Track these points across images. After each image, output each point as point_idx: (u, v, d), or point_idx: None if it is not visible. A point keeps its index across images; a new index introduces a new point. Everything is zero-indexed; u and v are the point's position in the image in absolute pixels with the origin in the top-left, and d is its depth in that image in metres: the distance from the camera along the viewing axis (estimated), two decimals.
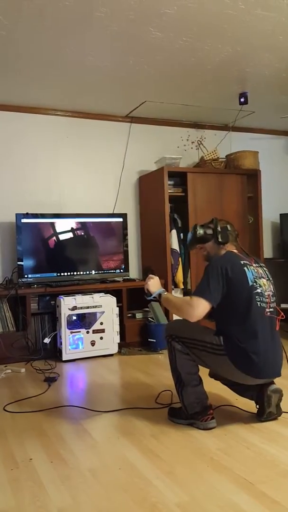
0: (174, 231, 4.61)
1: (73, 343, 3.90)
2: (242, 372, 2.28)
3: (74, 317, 3.97)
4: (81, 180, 4.69)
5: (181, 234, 4.66)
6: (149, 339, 4.23)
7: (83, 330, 3.94)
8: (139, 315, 4.43)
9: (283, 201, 5.64)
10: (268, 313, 2.33)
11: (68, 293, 4.06)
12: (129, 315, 4.42)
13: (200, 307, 2.24)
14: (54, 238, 4.26)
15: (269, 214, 5.42)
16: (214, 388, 2.86)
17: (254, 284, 2.31)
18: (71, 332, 3.89)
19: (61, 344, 3.91)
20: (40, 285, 4.09)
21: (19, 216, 4.10)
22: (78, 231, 4.36)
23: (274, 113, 4.94)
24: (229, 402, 2.70)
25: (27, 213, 4.15)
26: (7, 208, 4.32)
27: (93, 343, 3.96)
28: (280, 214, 5.32)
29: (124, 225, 4.56)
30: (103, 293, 4.11)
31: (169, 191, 4.54)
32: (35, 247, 4.17)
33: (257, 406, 2.47)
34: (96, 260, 4.43)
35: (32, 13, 2.79)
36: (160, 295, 2.46)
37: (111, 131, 4.83)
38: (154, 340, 4.17)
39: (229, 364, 2.29)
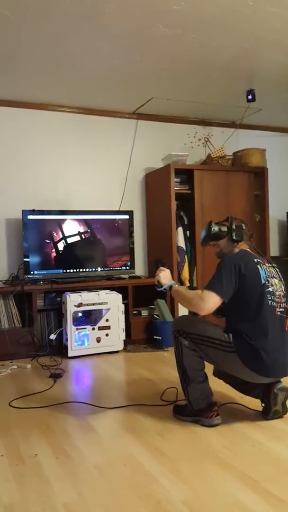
0: (180, 229, 4.60)
1: (78, 339, 3.90)
2: (250, 370, 2.28)
3: (80, 314, 3.97)
4: (87, 177, 4.69)
5: (187, 232, 4.66)
6: (154, 337, 4.23)
7: (89, 327, 3.94)
8: (144, 312, 4.43)
9: None
10: (279, 313, 2.34)
11: (74, 290, 4.07)
12: (135, 312, 4.42)
13: (211, 301, 2.24)
14: (60, 234, 4.26)
15: (276, 212, 5.39)
16: (219, 385, 2.85)
17: (267, 283, 2.32)
18: (77, 329, 3.90)
19: (66, 340, 3.92)
20: (46, 282, 4.10)
21: (25, 212, 4.11)
22: (84, 228, 4.36)
23: (281, 111, 4.92)
24: (234, 400, 2.70)
25: (33, 210, 4.16)
26: (13, 205, 4.33)
27: (98, 340, 3.96)
28: (287, 212, 5.29)
29: (130, 222, 4.56)
30: (109, 290, 4.11)
31: (176, 188, 4.53)
32: (41, 243, 4.18)
33: (263, 404, 2.46)
34: (102, 257, 4.43)
35: (39, 9, 2.79)
36: (171, 287, 2.46)
37: (118, 128, 4.82)
38: (160, 338, 4.17)
39: (237, 362, 2.28)
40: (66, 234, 4.28)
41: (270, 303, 2.30)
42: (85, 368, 3.62)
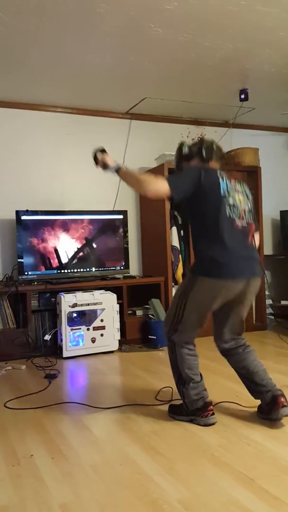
0: (174, 228, 4.60)
1: (73, 340, 3.90)
2: (215, 278, 2.28)
3: (75, 314, 3.97)
4: (81, 177, 4.68)
5: (182, 231, 4.66)
6: (149, 336, 4.24)
7: (84, 327, 3.94)
8: (139, 312, 4.44)
9: (283, 198, 5.64)
10: (239, 226, 2.36)
11: (69, 290, 4.06)
12: (130, 312, 4.43)
13: (160, 186, 2.26)
14: (54, 235, 4.25)
15: (270, 211, 5.42)
16: (215, 384, 2.87)
17: (227, 195, 2.34)
18: (72, 329, 3.89)
19: (61, 341, 3.91)
20: (40, 282, 4.09)
21: (19, 213, 4.10)
22: (78, 228, 4.35)
23: (274, 110, 4.94)
24: (230, 399, 2.71)
25: (27, 210, 4.15)
26: (7, 205, 4.32)
27: (93, 340, 3.96)
28: (281, 211, 5.31)
29: (125, 222, 4.56)
30: (103, 290, 4.11)
31: None
32: (35, 244, 4.17)
33: (263, 408, 2.43)
34: (96, 257, 4.43)
35: (32, 9, 2.78)
36: (119, 168, 2.41)
37: (111, 128, 4.82)
38: (155, 337, 4.18)
39: (204, 284, 2.29)
40: (60, 235, 4.28)
41: (228, 215, 2.32)
42: (80, 369, 3.61)
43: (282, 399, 2.32)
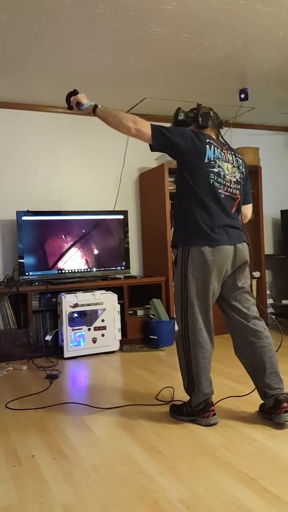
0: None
1: (74, 340, 3.90)
2: (200, 246, 2.28)
3: (76, 315, 3.97)
4: (81, 177, 4.68)
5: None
6: (150, 336, 4.23)
7: (85, 327, 3.94)
8: (140, 312, 4.44)
9: (283, 197, 5.64)
10: (223, 194, 2.35)
11: (69, 291, 4.06)
12: (131, 312, 4.43)
13: (143, 127, 2.27)
14: (55, 235, 4.26)
15: (270, 210, 5.42)
16: (215, 384, 2.86)
17: (212, 162, 2.33)
18: (73, 330, 3.89)
19: (62, 341, 3.92)
20: (41, 283, 4.10)
21: (19, 213, 4.10)
22: (78, 228, 4.36)
23: (274, 109, 4.93)
24: (231, 399, 2.70)
25: (27, 211, 4.15)
26: (8, 206, 4.32)
27: (94, 340, 3.96)
28: (281, 211, 5.31)
29: (125, 222, 4.56)
30: (104, 290, 4.11)
31: (170, 188, 4.53)
32: (36, 244, 4.17)
33: (264, 406, 2.42)
34: (97, 257, 4.43)
35: (32, 9, 2.78)
36: (95, 106, 2.38)
37: (112, 128, 4.81)
38: (156, 337, 4.18)
39: (193, 255, 2.29)
40: (60, 235, 4.28)
41: (211, 182, 2.32)
42: (81, 369, 3.61)
43: (286, 404, 2.27)
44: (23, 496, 1.77)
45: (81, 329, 3.93)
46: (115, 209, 4.73)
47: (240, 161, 2.51)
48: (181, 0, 2.75)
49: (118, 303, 4.10)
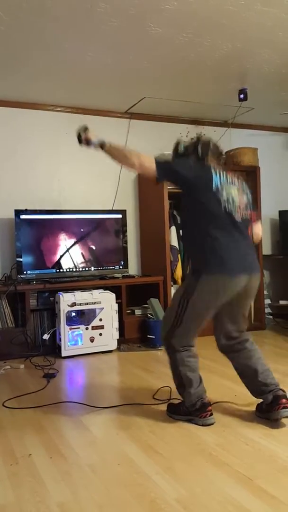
0: (173, 228, 4.60)
1: (72, 339, 3.90)
2: (216, 276, 2.26)
3: (73, 314, 3.97)
4: (80, 177, 4.68)
5: (181, 231, 4.66)
6: (148, 336, 4.23)
7: (82, 327, 3.94)
8: (138, 312, 4.44)
9: (282, 197, 5.64)
10: (237, 219, 2.34)
11: (67, 290, 4.06)
12: (128, 311, 4.43)
13: (146, 162, 2.28)
14: (53, 234, 4.25)
15: (268, 210, 5.42)
16: (213, 384, 2.87)
17: (220, 189, 2.32)
18: (70, 329, 3.89)
19: (60, 340, 3.91)
20: (39, 282, 4.09)
21: (18, 212, 4.10)
22: (77, 228, 4.35)
23: (273, 110, 4.94)
24: (228, 399, 2.71)
25: (26, 209, 4.15)
26: (6, 204, 4.32)
27: (92, 340, 3.96)
28: (279, 211, 5.31)
29: (124, 221, 4.56)
30: (102, 290, 4.11)
31: (168, 187, 4.53)
32: (34, 243, 4.17)
33: (262, 405, 2.43)
34: (95, 256, 4.43)
35: (32, 9, 2.78)
36: (103, 143, 2.41)
37: (111, 127, 4.82)
38: (153, 337, 4.17)
39: (205, 285, 2.27)
40: (59, 234, 4.28)
41: (224, 209, 2.30)
42: (78, 368, 3.61)
43: (284, 400, 2.30)
44: (19, 495, 1.77)
45: (78, 328, 3.93)
46: (114, 209, 4.73)
47: (244, 184, 2.50)
48: (181, 0, 2.75)
49: (116, 303, 4.10)
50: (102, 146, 2.41)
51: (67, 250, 4.31)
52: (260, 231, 2.60)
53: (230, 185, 2.37)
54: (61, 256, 4.28)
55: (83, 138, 2.45)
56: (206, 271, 2.28)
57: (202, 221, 2.32)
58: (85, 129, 2.47)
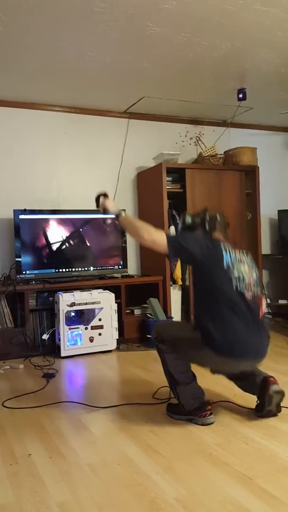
0: (172, 228, 4.60)
1: (71, 339, 3.90)
2: (225, 356, 2.27)
3: (73, 313, 3.97)
4: (79, 176, 4.68)
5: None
6: (147, 335, 4.23)
7: (82, 326, 3.94)
8: (137, 311, 4.44)
9: (281, 197, 5.64)
10: (248, 298, 2.32)
11: (67, 290, 4.06)
12: (128, 311, 4.42)
13: (158, 238, 2.30)
14: (52, 234, 4.25)
15: (267, 210, 5.42)
16: (212, 384, 2.87)
17: (231, 267, 2.31)
18: (70, 328, 3.89)
19: (59, 340, 3.91)
20: (38, 282, 4.09)
21: (17, 212, 4.09)
22: (76, 227, 4.35)
23: (272, 109, 4.94)
24: (227, 398, 2.71)
25: (25, 209, 4.14)
26: (5, 204, 4.31)
27: (91, 339, 3.96)
28: (278, 211, 5.32)
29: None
30: (101, 289, 4.11)
31: (168, 187, 4.53)
32: (33, 243, 4.17)
33: (258, 401, 2.48)
34: (94, 256, 4.42)
35: (30, 8, 2.78)
36: (119, 214, 2.49)
37: (110, 127, 4.82)
38: None
39: (212, 354, 2.28)
40: (58, 234, 4.27)
41: (235, 288, 2.29)
42: (78, 368, 3.61)
43: (272, 379, 2.40)
44: (19, 495, 1.77)
45: (78, 328, 3.92)
46: None
47: (251, 260, 2.49)
48: (180, 0, 2.75)
49: (115, 302, 4.09)
50: (117, 216, 2.49)
51: (66, 250, 4.31)
52: (264, 306, 2.54)
53: (239, 263, 2.36)
54: (60, 256, 4.28)
55: (101, 204, 2.59)
56: (212, 349, 2.27)
57: (213, 299, 2.29)
58: (105, 195, 2.62)
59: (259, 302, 2.37)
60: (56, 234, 4.26)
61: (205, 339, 2.29)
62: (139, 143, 4.94)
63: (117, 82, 4.02)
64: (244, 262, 2.38)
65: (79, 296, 3.94)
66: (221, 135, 5.18)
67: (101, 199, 2.60)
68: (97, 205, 2.65)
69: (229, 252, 2.35)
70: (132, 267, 4.88)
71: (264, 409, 2.40)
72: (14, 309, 4.01)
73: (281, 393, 2.40)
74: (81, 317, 3.99)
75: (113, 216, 2.56)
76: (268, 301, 5.36)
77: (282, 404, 2.47)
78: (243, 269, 2.34)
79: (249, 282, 2.34)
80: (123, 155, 4.85)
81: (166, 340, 2.42)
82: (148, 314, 4.37)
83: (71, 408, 2.70)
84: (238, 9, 2.88)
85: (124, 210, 4.52)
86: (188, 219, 2.50)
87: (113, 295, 4.08)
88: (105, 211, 2.58)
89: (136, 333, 4.34)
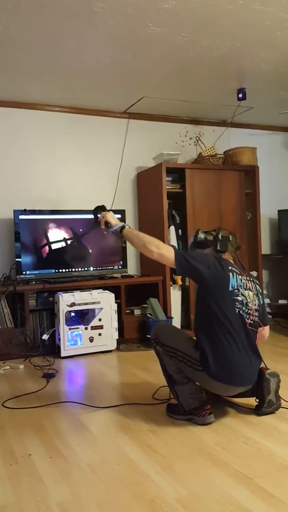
0: (172, 228, 4.61)
1: (71, 339, 3.90)
2: (215, 380, 2.30)
3: (73, 314, 3.97)
4: (79, 176, 4.68)
5: (179, 231, 4.66)
6: (147, 335, 4.23)
7: (82, 327, 3.94)
8: (137, 311, 4.44)
9: (281, 197, 5.64)
10: (248, 324, 2.34)
11: (67, 290, 4.06)
12: (128, 311, 4.43)
13: (166, 252, 2.28)
14: (52, 234, 4.25)
15: (267, 210, 5.43)
16: None
17: (236, 291, 2.31)
18: (70, 329, 3.89)
19: (59, 340, 3.91)
20: (38, 282, 4.09)
21: (17, 212, 4.10)
22: (76, 228, 4.35)
23: (272, 109, 4.94)
24: (227, 398, 2.71)
25: (25, 210, 4.15)
26: (5, 205, 4.31)
27: (91, 340, 3.96)
28: (278, 210, 5.32)
29: (122, 221, 4.55)
30: (101, 290, 4.11)
31: (167, 187, 4.53)
32: (33, 243, 4.17)
33: (257, 400, 2.48)
34: (94, 256, 4.42)
35: (30, 8, 2.78)
36: (123, 227, 2.47)
37: (109, 127, 4.82)
38: None
39: (207, 378, 2.31)
40: (58, 234, 4.27)
41: (238, 311, 2.30)
42: (78, 368, 3.61)
43: (264, 367, 2.45)
44: (19, 495, 1.77)
45: (78, 328, 3.93)
46: (113, 208, 4.72)
47: (258, 286, 2.49)
48: None
49: (115, 302, 4.09)
50: (121, 229, 2.46)
51: (66, 250, 4.31)
52: (267, 334, 2.56)
53: (245, 289, 2.37)
54: (60, 256, 4.28)
55: (101, 219, 2.52)
56: (207, 372, 2.29)
57: (214, 321, 2.29)
58: (103, 208, 2.60)
59: (257, 326, 2.39)
60: (56, 234, 4.26)
61: (202, 362, 2.31)
62: (139, 143, 4.94)
63: (116, 82, 4.03)
64: (249, 288, 2.40)
65: (79, 296, 3.94)
66: (221, 135, 5.18)
67: (100, 213, 2.54)
68: (96, 220, 2.59)
69: (236, 276, 2.35)
70: (132, 267, 4.88)
71: (265, 401, 2.41)
72: (14, 309, 4.01)
73: (277, 376, 2.43)
74: (81, 317, 4.00)
75: (114, 230, 2.49)
76: (268, 301, 5.36)
77: (282, 405, 2.48)
78: (248, 295, 2.36)
79: (252, 308, 2.36)
80: (123, 155, 4.85)
81: (164, 345, 2.43)
82: (148, 314, 4.37)
83: (71, 408, 2.70)
84: (237, 9, 2.88)
85: (124, 210, 4.55)
86: (201, 236, 2.48)
87: (113, 295, 4.08)
88: (106, 226, 2.52)
89: (136, 333, 4.34)
